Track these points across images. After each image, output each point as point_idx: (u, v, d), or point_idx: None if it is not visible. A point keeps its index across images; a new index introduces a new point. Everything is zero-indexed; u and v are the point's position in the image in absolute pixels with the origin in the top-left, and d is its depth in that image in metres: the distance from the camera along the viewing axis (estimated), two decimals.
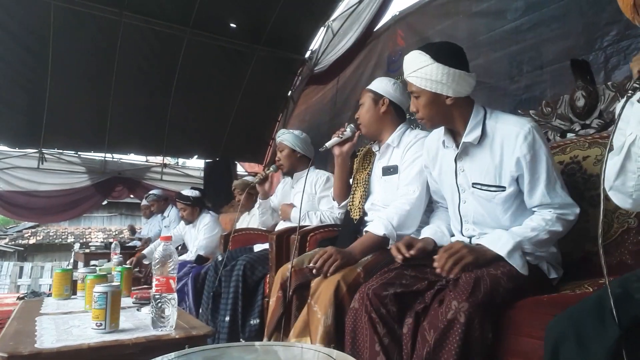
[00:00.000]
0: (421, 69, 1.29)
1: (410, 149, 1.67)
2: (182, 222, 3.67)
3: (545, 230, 1.19)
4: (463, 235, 1.38)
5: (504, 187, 1.26)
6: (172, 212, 4.72)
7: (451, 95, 1.30)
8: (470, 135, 1.30)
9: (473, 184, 1.31)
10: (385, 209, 1.64)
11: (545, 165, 1.21)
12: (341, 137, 1.84)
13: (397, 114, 1.78)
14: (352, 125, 1.84)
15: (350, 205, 1.88)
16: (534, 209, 1.25)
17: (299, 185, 2.49)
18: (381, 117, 1.76)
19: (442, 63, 1.27)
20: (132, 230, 5.85)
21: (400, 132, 1.75)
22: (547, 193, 1.21)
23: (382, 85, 1.78)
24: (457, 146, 1.34)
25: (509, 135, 1.25)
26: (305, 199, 2.39)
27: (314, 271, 1.46)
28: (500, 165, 1.26)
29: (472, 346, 0.99)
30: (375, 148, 1.86)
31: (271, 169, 2.59)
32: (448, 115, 1.33)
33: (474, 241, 1.31)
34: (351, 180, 1.96)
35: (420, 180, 1.61)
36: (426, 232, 1.46)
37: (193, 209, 3.47)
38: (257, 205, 2.77)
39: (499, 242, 1.19)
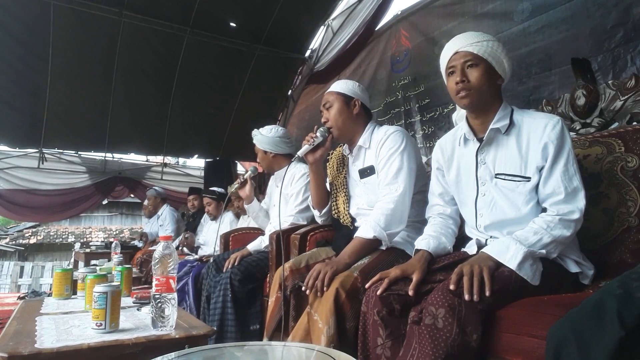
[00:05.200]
0: (485, 41, 1.28)
1: (383, 145, 1.67)
2: (205, 219, 3.86)
3: (548, 234, 1.15)
4: (479, 231, 1.35)
5: (529, 178, 1.24)
6: (165, 211, 4.69)
7: (502, 76, 1.30)
8: (498, 122, 1.28)
9: (497, 174, 1.29)
10: (372, 211, 1.63)
11: (566, 155, 1.21)
12: (312, 144, 1.77)
13: (366, 114, 1.80)
14: (322, 129, 1.77)
15: (335, 212, 1.86)
16: (544, 204, 1.23)
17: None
18: (354, 119, 1.76)
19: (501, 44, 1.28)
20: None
21: (369, 132, 1.76)
22: (562, 182, 1.19)
23: (348, 87, 1.80)
24: (479, 140, 1.33)
25: (538, 126, 1.24)
26: (284, 202, 2.39)
27: (308, 292, 1.44)
28: (527, 155, 1.25)
29: (451, 350, 0.99)
30: (346, 151, 1.84)
31: (249, 172, 2.54)
32: (490, 96, 1.30)
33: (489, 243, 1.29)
34: (328, 186, 1.93)
35: (401, 176, 1.60)
36: (422, 244, 1.38)
37: (218, 203, 3.67)
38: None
39: (508, 253, 1.13)
